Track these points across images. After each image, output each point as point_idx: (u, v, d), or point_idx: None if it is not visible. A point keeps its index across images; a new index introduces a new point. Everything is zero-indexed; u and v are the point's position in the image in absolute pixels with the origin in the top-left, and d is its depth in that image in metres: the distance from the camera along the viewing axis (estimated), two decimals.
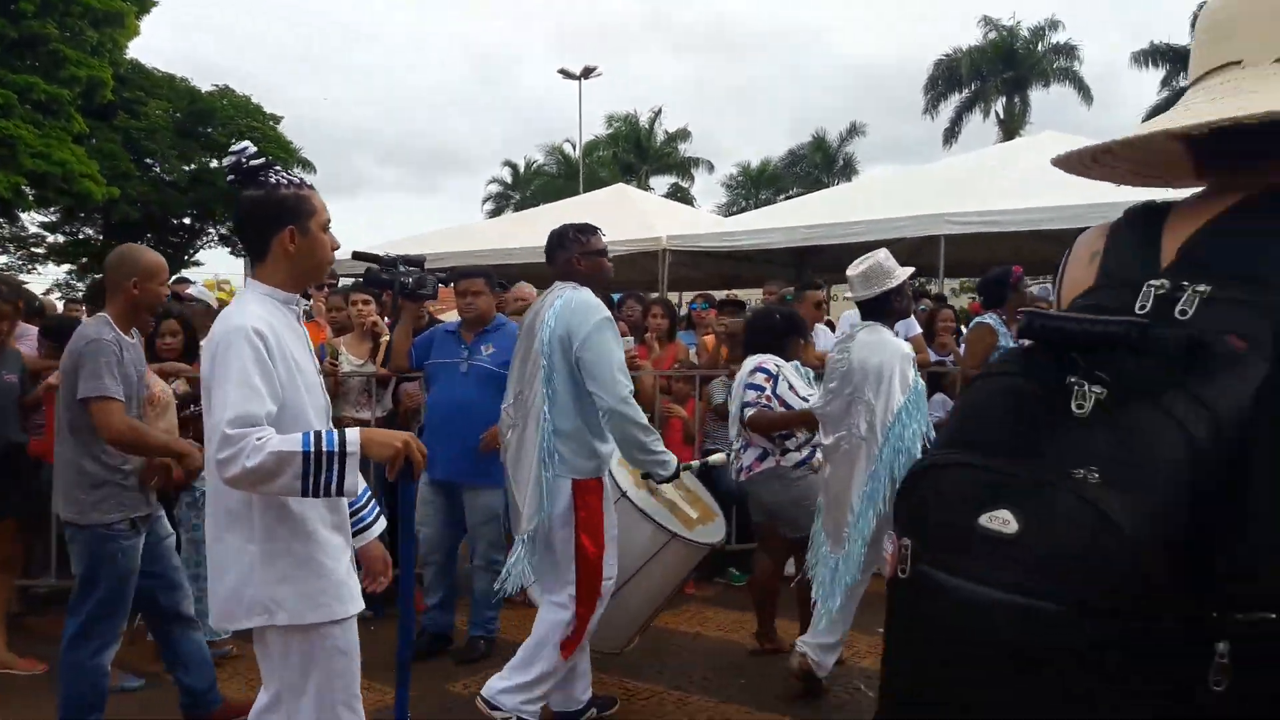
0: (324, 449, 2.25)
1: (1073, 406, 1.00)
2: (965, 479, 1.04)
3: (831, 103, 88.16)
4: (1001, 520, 0.98)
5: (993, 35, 35.05)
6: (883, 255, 4.17)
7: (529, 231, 12.45)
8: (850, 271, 4.19)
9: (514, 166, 45.47)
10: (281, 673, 2.45)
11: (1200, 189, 1.19)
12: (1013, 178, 9.11)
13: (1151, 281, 1.09)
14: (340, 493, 2.29)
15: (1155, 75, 33.54)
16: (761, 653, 4.77)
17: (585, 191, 21.22)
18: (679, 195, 38.15)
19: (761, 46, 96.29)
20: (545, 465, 3.69)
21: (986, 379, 1.14)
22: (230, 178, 2.46)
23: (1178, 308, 1.05)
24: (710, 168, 43.36)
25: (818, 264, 11.52)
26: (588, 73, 32.85)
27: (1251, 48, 1.14)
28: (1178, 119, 1.14)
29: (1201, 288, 1.05)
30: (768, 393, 4.56)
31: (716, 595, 5.89)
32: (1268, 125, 1.05)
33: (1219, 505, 0.91)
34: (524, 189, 43.53)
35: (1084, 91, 33.71)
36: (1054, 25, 34.59)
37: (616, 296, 8.21)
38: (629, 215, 11.78)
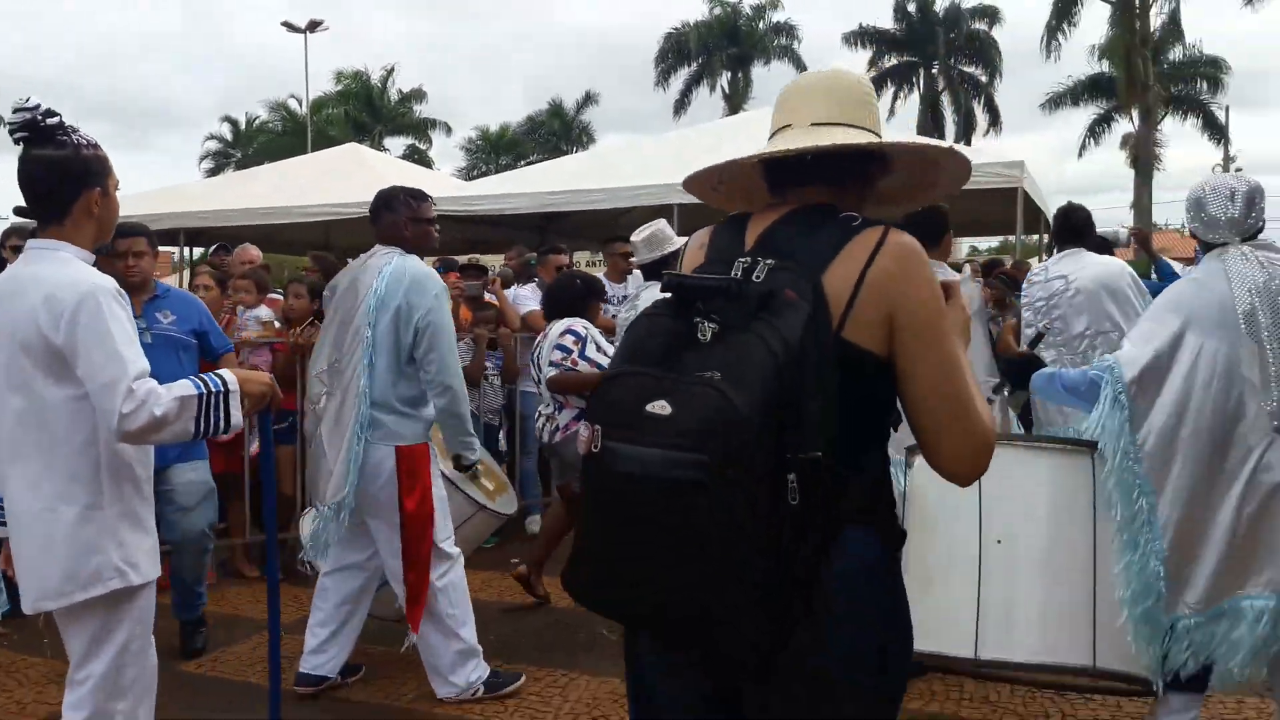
0: (212, 390, 2.41)
1: (699, 335, 1.53)
2: (635, 382, 1.52)
3: (570, 70, 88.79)
4: (660, 406, 1.46)
5: (718, 11, 36.32)
6: (662, 224, 4.78)
7: (251, 191, 11.82)
8: (634, 238, 4.80)
9: (234, 123, 42.78)
10: (118, 636, 2.46)
11: (772, 204, 1.80)
12: (740, 150, 9.52)
13: (740, 258, 1.65)
14: (228, 429, 2.46)
15: (864, 56, 35.81)
16: (515, 609, 4.95)
17: (315, 150, 20.25)
18: (416, 157, 37.19)
19: (498, 12, 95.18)
20: (357, 437, 3.65)
21: (647, 318, 1.63)
22: (20, 134, 2.42)
23: (755, 273, 1.60)
24: (448, 130, 42.79)
25: (560, 229, 11.66)
26: (313, 26, 31.35)
27: (797, 116, 1.79)
28: (749, 154, 1.77)
29: (770, 261, 1.61)
30: (574, 355, 4.68)
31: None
32: (801, 162, 1.74)
33: (789, 391, 1.46)
34: (246, 147, 40.99)
35: (802, 70, 35.57)
36: (774, 4, 36.26)
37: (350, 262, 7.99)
38: (362, 176, 11.34)
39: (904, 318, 1.62)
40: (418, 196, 3.93)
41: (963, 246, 21.22)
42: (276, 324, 5.80)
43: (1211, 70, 29.90)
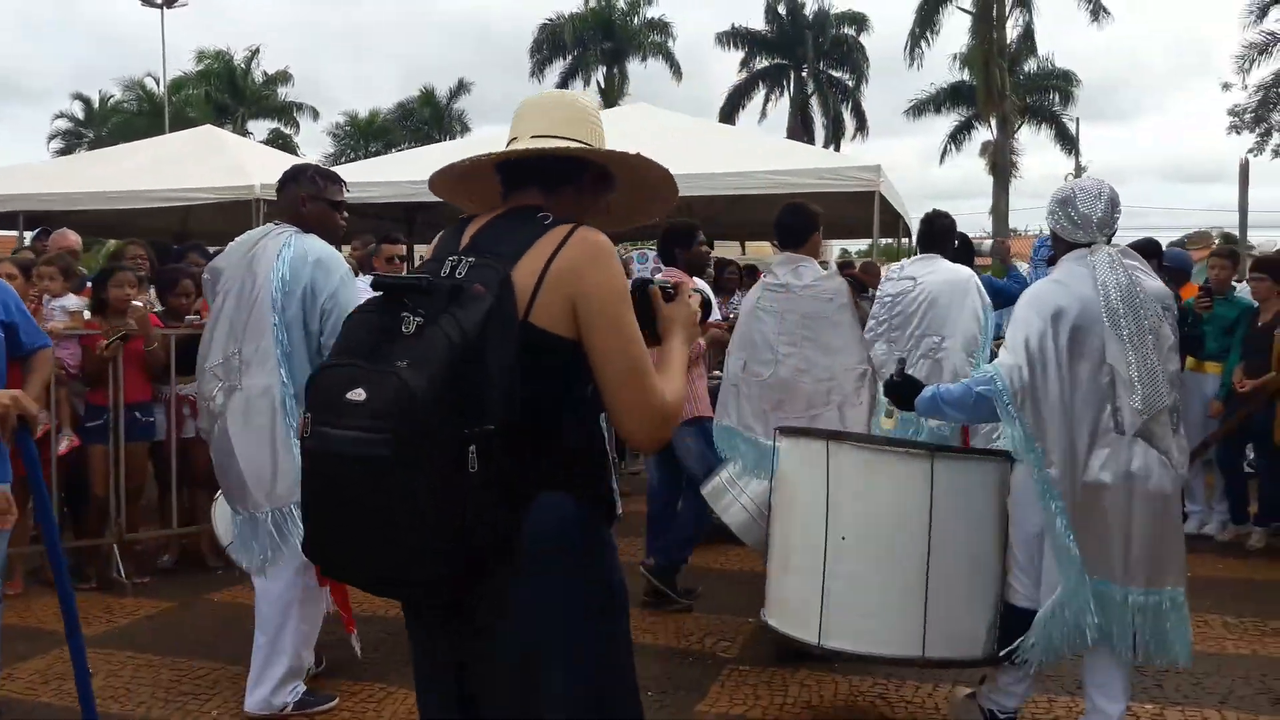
0: None
1: (403, 328, 1.71)
2: (340, 373, 1.71)
3: (444, 57, 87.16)
4: (357, 393, 1.66)
5: (593, 4, 36.16)
6: None
7: (100, 173, 11.15)
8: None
9: (87, 101, 40.58)
10: None
11: (496, 207, 2.01)
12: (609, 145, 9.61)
13: (450, 256, 1.87)
14: None
15: (736, 56, 36.23)
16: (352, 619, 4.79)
17: (174, 131, 19.33)
18: (281, 142, 35.92)
19: None
20: (290, 435, 3.42)
21: (360, 314, 1.82)
22: None
23: (456, 270, 1.82)
24: (315, 115, 41.18)
25: (429, 221, 11.42)
26: (170, 2, 29.97)
27: (522, 128, 2.03)
28: (478, 158, 1.99)
29: (470, 259, 1.84)
30: None
31: None
32: (521, 168, 1.97)
33: (467, 373, 1.67)
34: (99, 127, 38.93)
35: (675, 68, 35.75)
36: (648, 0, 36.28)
37: (177, 248, 7.65)
38: (218, 160, 10.90)
39: (584, 303, 1.82)
40: (328, 177, 3.76)
41: (834, 249, 21.67)
42: (86, 314, 5.43)
43: (1063, 83, 31.46)
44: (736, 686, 4.02)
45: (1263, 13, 22.99)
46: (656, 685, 3.98)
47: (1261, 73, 23.76)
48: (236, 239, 3.74)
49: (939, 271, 4.72)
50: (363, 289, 3.86)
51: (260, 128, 38.74)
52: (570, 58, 36.25)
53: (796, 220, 4.43)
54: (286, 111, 39.75)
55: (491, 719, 1.86)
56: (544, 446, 1.81)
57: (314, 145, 51.76)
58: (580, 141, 1.99)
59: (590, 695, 1.82)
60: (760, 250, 21.77)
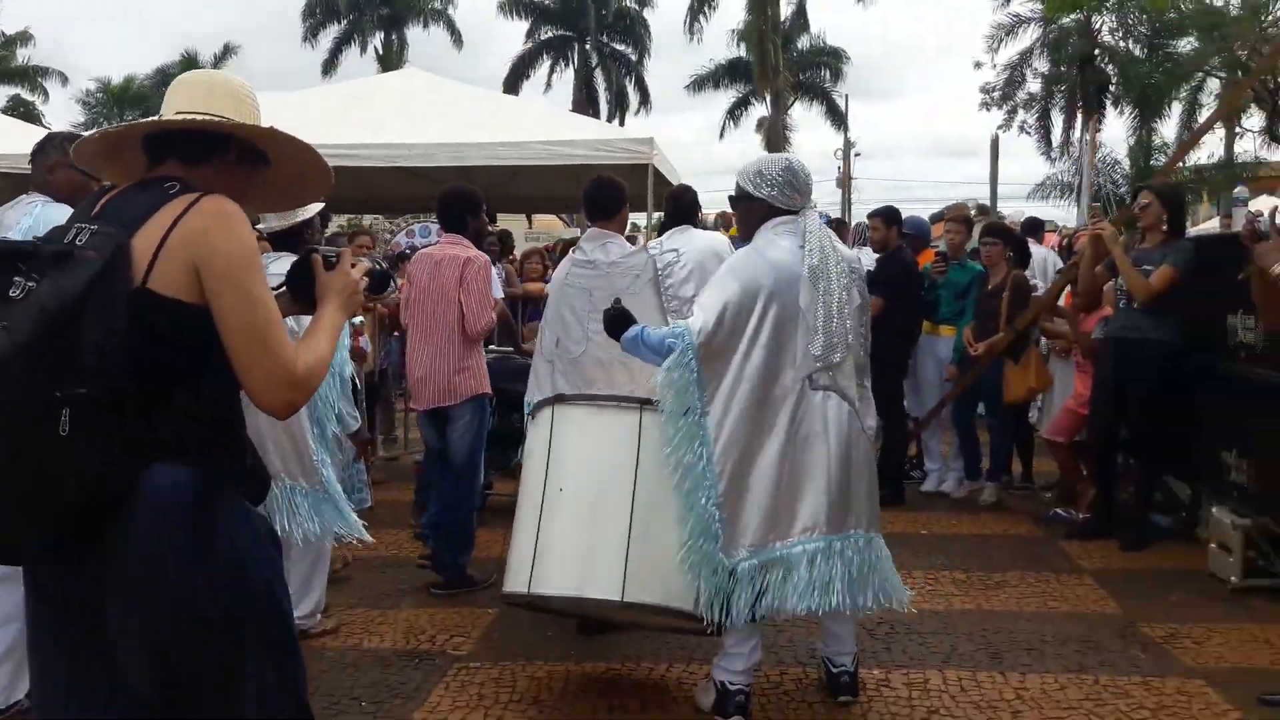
0: None
1: (11, 292, 1.71)
2: None
3: (208, 21, 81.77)
4: None
5: None
6: None
7: None
8: None
9: None
10: None
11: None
12: (375, 111, 9.06)
13: (79, 223, 1.86)
14: None
15: (521, 26, 35.69)
16: None
17: None
18: (23, 110, 32.77)
19: None
20: None
21: None
22: None
23: (78, 237, 1.81)
24: (64, 80, 37.64)
25: None
26: None
27: (167, 106, 2.03)
28: (122, 127, 2.02)
29: (91, 226, 1.83)
30: None
31: None
32: (163, 140, 1.99)
33: (59, 336, 1.68)
34: None
35: (456, 36, 34.99)
36: None
37: None
38: None
39: (206, 267, 1.82)
40: (73, 140, 3.31)
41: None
42: None
43: (833, 60, 32.82)
44: (462, 687, 3.74)
45: None
46: (371, 694, 3.66)
47: (1009, 52, 25.36)
48: None
49: (695, 239, 5.08)
50: (274, 266, 3.51)
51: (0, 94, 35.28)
52: (345, 22, 34.84)
53: (602, 192, 4.40)
54: (29, 76, 36.40)
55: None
56: (163, 412, 1.80)
57: (62, 114, 47.58)
58: (222, 117, 1.99)
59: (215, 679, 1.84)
60: (550, 225, 21.55)
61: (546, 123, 9.98)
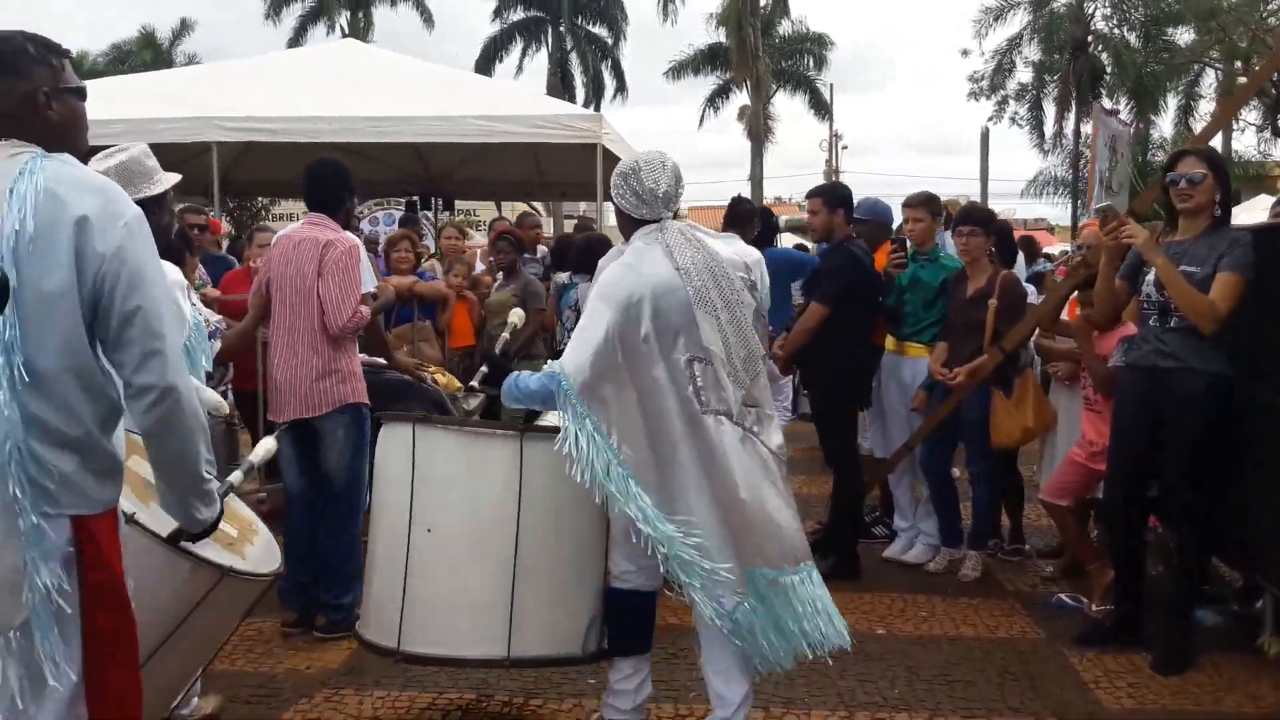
0: None
1: None
2: None
3: None
4: None
5: None
6: (137, 152, 3.24)
7: None
8: (98, 165, 3.09)
9: None
10: None
11: None
12: (299, 83, 8.41)
13: None
14: None
15: (489, 5, 34.35)
16: None
17: None
18: None
19: None
20: (22, 502, 2.00)
21: None
22: None
23: None
24: None
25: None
26: None
27: None
28: None
29: None
30: None
31: None
32: None
33: None
34: None
35: (425, 15, 33.87)
36: None
37: None
38: None
39: None
40: (56, 50, 2.22)
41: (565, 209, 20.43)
42: None
43: (816, 46, 31.53)
44: None
45: None
46: None
47: (997, 39, 24.13)
48: None
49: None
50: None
51: None
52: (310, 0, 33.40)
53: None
54: None
55: None
56: None
57: None
58: None
59: None
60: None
61: (482, 97, 9.10)
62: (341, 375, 4.05)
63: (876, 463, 5.39)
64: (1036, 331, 4.89)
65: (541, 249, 7.87)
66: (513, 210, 18.65)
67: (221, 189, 8.55)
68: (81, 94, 2.24)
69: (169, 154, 4.20)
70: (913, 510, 5.19)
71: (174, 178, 3.30)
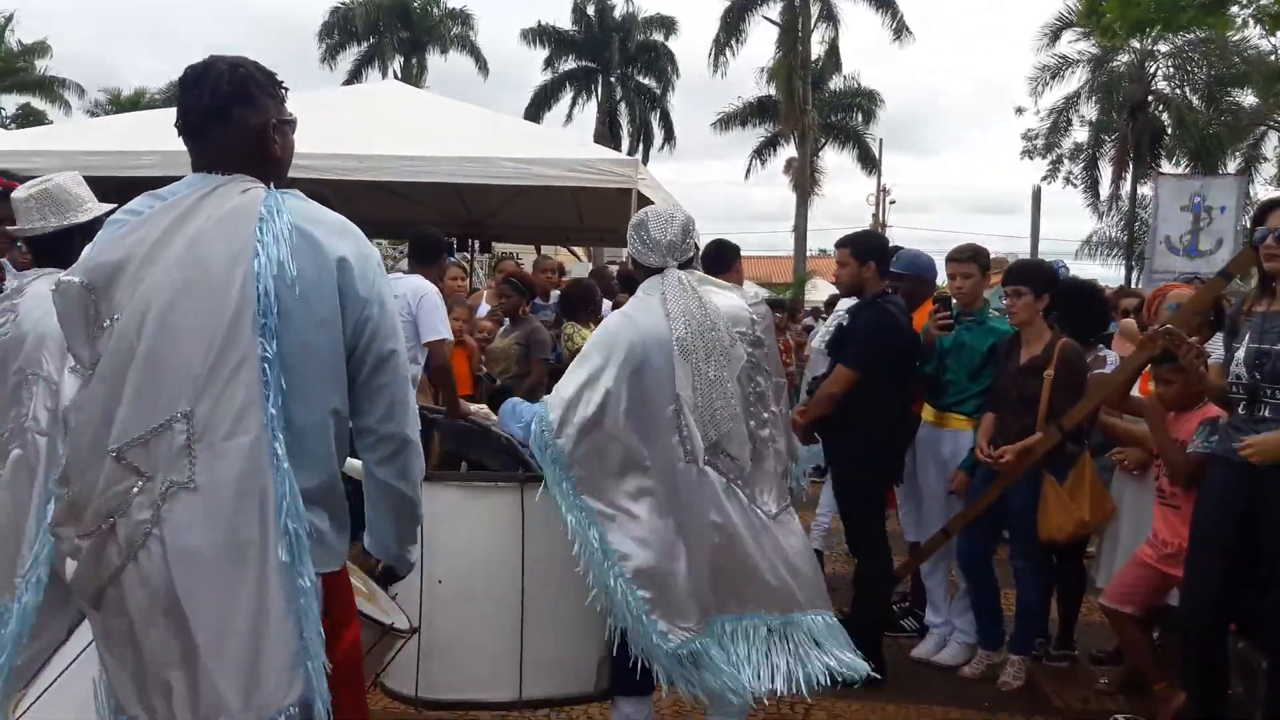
0: None
1: None
2: None
3: (230, 36, 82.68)
4: None
5: None
6: (66, 180, 3.12)
7: None
8: (18, 195, 3.11)
9: None
10: None
11: None
12: (335, 123, 8.02)
13: None
14: None
15: (541, 54, 34.74)
16: None
17: None
18: (32, 119, 33.09)
19: None
20: (287, 570, 1.87)
21: None
22: None
23: None
24: (81, 91, 37.92)
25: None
26: None
27: None
28: None
29: None
30: None
31: None
32: None
33: None
34: None
35: (481, 62, 34.60)
36: None
37: None
38: None
39: None
40: (277, 81, 2.18)
41: (607, 255, 20.25)
42: None
43: (867, 102, 31.40)
44: None
45: (1055, 36, 22.79)
46: None
47: (1053, 97, 23.62)
48: (128, 211, 2.10)
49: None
50: (34, 285, 2.96)
51: (11, 102, 35.96)
52: (366, 45, 34.63)
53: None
54: (46, 86, 36.68)
55: None
56: None
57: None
58: None
59: None
60: (565, 260, 20.20)
61: (515, 138, 8.98)
62: None
63: (908, 546, 4.80)
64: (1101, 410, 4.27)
65: (556, 294, 7.51)
66: (556, 254, 18.55)
67: None
68: (294, 126, 2.18)
69: None
70: (947, 604, 4.57)
71: (106, 207, 3.08)
